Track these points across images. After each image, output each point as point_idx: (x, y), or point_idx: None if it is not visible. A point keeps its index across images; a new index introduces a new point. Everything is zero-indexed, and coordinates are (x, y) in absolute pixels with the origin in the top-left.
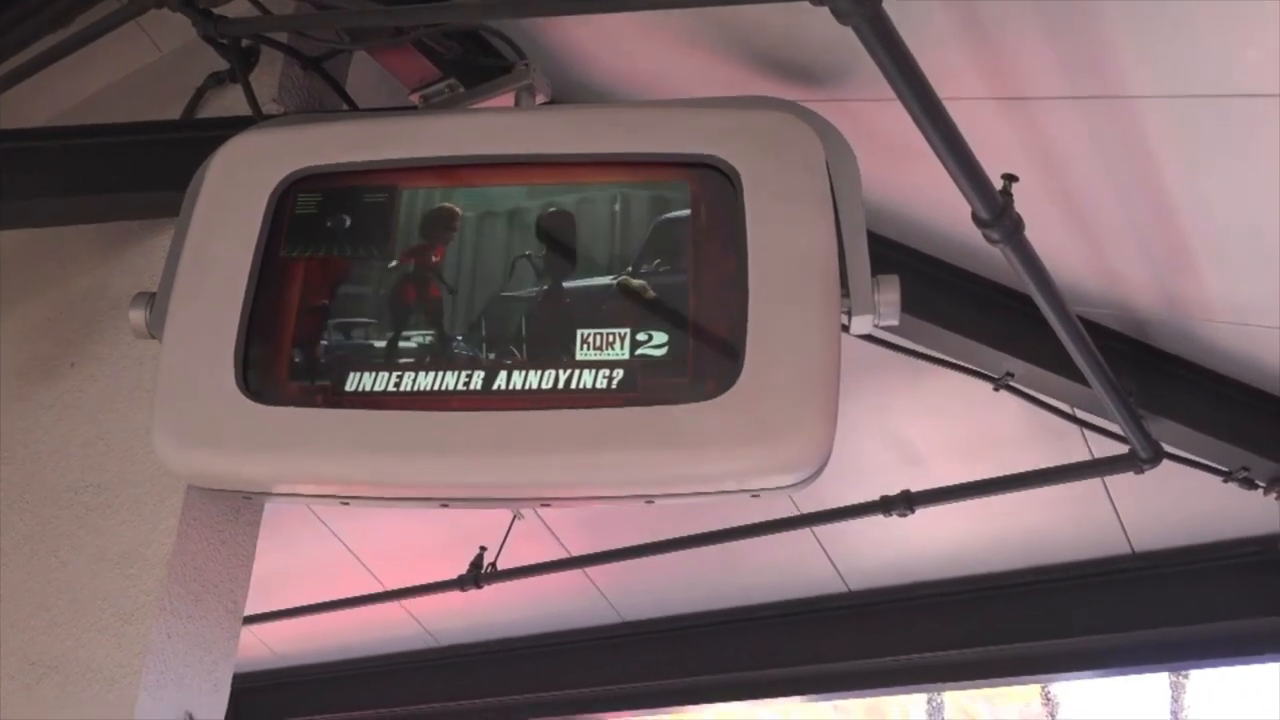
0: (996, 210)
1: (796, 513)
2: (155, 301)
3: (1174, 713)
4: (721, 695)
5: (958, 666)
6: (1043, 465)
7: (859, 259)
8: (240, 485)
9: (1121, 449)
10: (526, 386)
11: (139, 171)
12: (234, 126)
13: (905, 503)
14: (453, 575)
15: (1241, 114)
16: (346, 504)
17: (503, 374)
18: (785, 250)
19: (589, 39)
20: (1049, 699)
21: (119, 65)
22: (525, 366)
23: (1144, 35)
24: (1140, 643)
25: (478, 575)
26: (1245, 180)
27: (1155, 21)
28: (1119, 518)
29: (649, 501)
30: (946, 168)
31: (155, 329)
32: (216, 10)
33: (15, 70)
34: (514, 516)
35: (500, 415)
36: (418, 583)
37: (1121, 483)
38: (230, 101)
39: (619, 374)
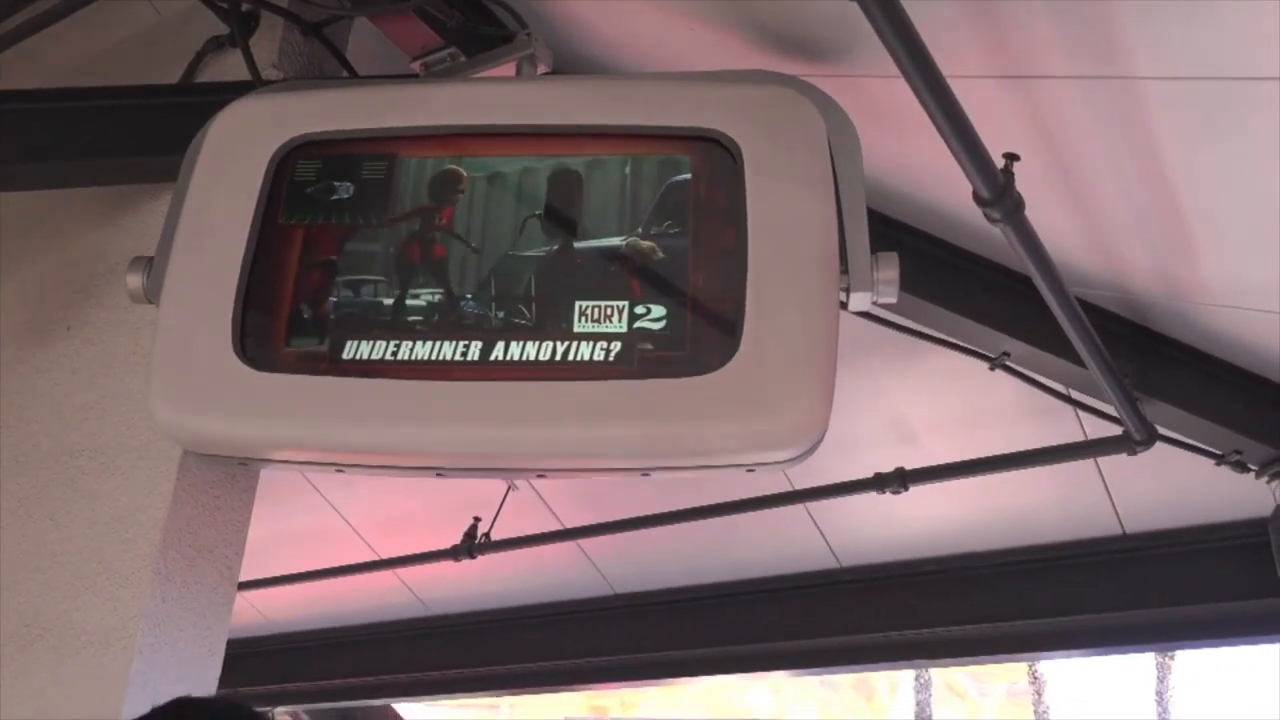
0: (997, 189)
1: (791, 488)
2: (153, 266)
3: (1160, 693)
4: (712, 669)
5: (948, 643)
6: (1037, 445)
7: (858, 236)
8: (236, 451)
9: (1116, 430)
10: (524, 358)
11: (137, 135)
12: (233, 91)
13: (899, 480)
14: (447, 545)
15: (1244, 97)
16: (341, 471)
17: (500, 344)
18: (785, 225)
19: (591, 10)
20: (1036, 677)
21: (117, 28)
22: (524, 337)
23: (1149, 16)
24: (1129, 623)
25: (471, 545)
26: (1246, 164)
27: (1161, 2)
28: (1111, 499)
29: (645, 474)
30: (948, 145)
31: (153, 294)
32: None
33: (13, 31)
34: (509, 487)
35: (497, 385)
36: (412, 552)
37: (1114, 464)
38: (229, 66)
39: (617, 347)
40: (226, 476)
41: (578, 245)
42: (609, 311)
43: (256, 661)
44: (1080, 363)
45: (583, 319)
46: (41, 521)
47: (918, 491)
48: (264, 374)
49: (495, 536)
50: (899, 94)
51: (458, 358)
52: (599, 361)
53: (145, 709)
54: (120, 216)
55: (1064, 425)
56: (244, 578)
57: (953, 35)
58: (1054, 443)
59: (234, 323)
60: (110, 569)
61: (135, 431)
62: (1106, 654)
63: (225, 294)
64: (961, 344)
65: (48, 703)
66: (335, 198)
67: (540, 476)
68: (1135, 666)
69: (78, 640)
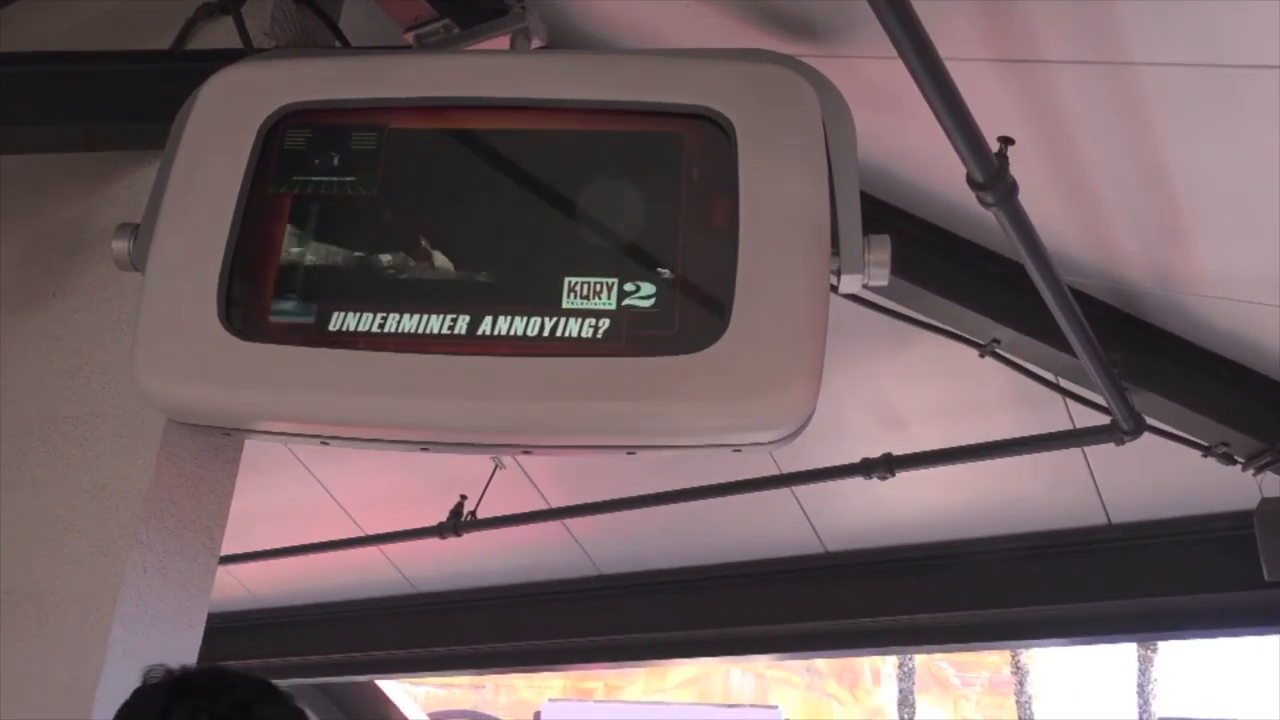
0: (991, 173)
1: (777, 472)
2: (139, 233)
3: (1141, 685)
4: (695, 651)
5: (931, 630)
6: (1025, 433)
7: (851, 218)
8: (220, 421)
9: (1103, 419)
10: (511, 332)
11: (127, 101)
12: (224, 59)
13: (886, 465)
14: (432, 523)
15: (1242, 86)
16: (326, 444)
17: (488, 319)
18: (777, 205)
19: None
20: (1018, 667)
21: None
22: (511, 312)
23: (1147, 2)
24: (1112, 613)
25: (457, 523)
26: (1242, 154)
27: None
28: (1097, 488)
29: (631, 452)
30: (944, 128)
31: (138, 261)
32: None
33: None
34: (495, 466)
35: (484, 360)
36: (397, 529)
37: (1101, 453)
38: (221, 34)
39: (605, 324)
40: (210, 447)
41: (568, 221)
42: (598, 288)
43: (240, 636)
44: (1070, 351)
45: (571, 295)
46: (23, 488)
47: (904, 478)
48: (249, 344)
49: (481, 515)
50: (895, 76)
51: (445, 331)
52: (587, 338)
53: (125, 678)
54: (108, 183)
55: (1052, 414)
56: (228, 551)
57: (950, 18)
58: (1042, 431)
59: (220, 291)
60: (91, 537)
61: (119, 400)
62: (1090, 643)
63: (212, 262)
64: (951, 330)
65: (26, 670)
66: (324, 167)
67: (526, 453)
68: (1118, 659)
69: (58, 608)
